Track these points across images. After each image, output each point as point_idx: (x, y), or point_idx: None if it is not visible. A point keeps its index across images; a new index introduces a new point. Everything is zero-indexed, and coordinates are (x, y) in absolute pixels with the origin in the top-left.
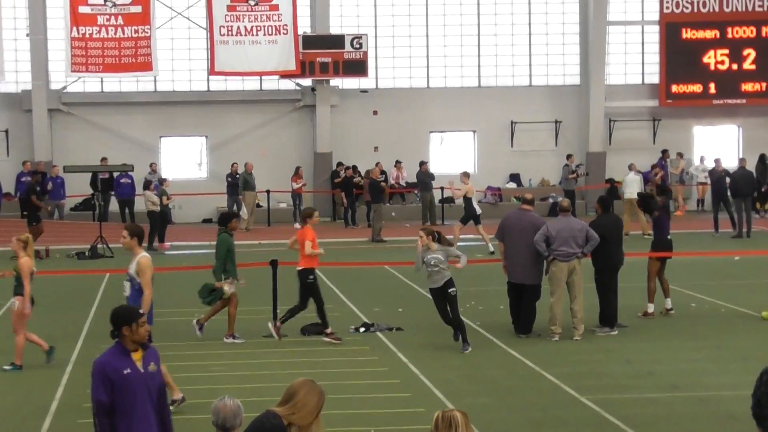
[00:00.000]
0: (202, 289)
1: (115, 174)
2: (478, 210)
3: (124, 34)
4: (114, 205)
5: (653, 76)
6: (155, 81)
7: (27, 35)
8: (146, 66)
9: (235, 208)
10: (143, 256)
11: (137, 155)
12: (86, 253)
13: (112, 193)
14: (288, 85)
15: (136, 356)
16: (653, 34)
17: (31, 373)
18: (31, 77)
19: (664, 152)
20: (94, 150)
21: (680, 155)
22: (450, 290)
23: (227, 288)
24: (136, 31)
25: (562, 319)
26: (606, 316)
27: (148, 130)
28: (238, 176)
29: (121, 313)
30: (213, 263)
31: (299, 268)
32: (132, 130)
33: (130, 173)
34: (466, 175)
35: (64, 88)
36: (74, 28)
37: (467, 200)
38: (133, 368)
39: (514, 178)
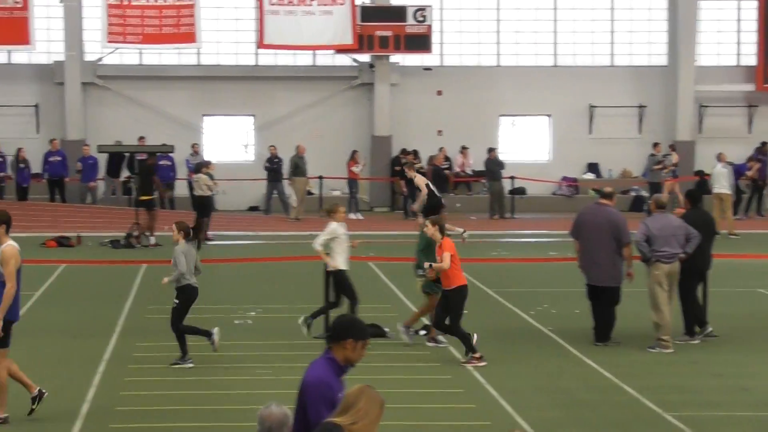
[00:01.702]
0: (426, 284)
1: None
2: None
3: (165, 1)
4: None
5: (749, 57)
6: (198, 54)
7: (60, 2)
8: (189, 37)
9: (275, 195)
10: (8, 244)
11: (178, 135)
12: (121, 242)
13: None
14: (344, 60)
15: None
16: (750, 10)
17: (60, 371)
18: (64, 47)
19: (764, 145)
20: (130, 128)
21: None
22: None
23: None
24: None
25: (671, 328)
26: (691, 323)
27: (190, 108)
28: (277, 160)
29: (354, 325)
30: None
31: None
32: (172, 108)
33: (170, 155)
34: (409, 164)
35: (100, 59)
36: None
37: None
38: (342, 392)
39: (593, 168)
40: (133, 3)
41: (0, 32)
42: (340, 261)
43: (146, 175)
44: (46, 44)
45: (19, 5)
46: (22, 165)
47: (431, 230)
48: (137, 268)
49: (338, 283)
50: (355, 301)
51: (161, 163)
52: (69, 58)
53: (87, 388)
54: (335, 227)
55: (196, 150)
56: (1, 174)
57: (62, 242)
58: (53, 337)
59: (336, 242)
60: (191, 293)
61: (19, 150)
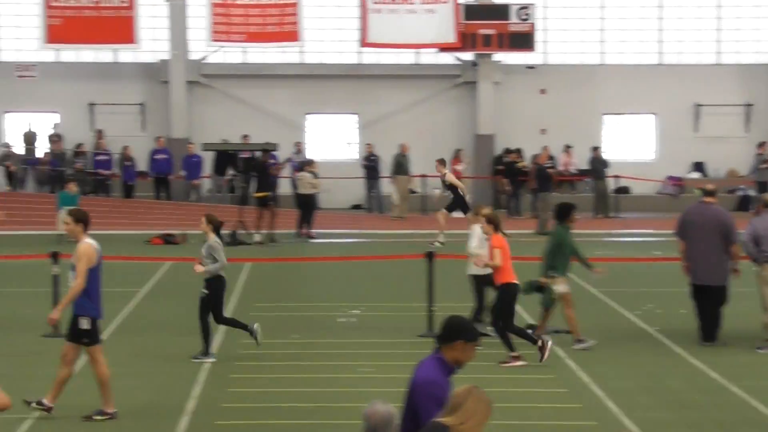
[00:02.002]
0: (527, 285)
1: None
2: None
3: (269, 0)
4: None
5: None
6: (302, 52)
7: (166, 1)
8: (292, 36)
9: (373, 192)
10: (85, 242)
11: (281, 133)
12: (225, 239)
13: (254, 174)
14: (447, 59)
15: None
16: None
17: (166, 368)
18: (169, 46)
19: None
20: (233, 126)
21: None
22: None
23: (558, 287)
24: None
25: None
26: None
27: (293, 106)
28: (374, 158)
29: (465, 326)
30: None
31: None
32: (275, 106)
33: (273, 153)
34: (441, 162)
35: (204, 58)
36: None
37: (452, 187)
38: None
39: (698, 167)
40: (238, 2)
41: (106, 31)
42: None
43: (262, 173)
44: (152, 43)
45: (125, 4)
46: (127, 163)
47: (485, 226)
48: (241, 265)
49: (478, 287)
50: (481, 309)
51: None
52: (174, 57)
53: (193, 385)
54: (480, 230)
55: (299, 148)
56: (107, 172)
57: (168, 240)
58: (159, 334)
59: (482, 245)
60: (221, 284)
61: (125, 148)
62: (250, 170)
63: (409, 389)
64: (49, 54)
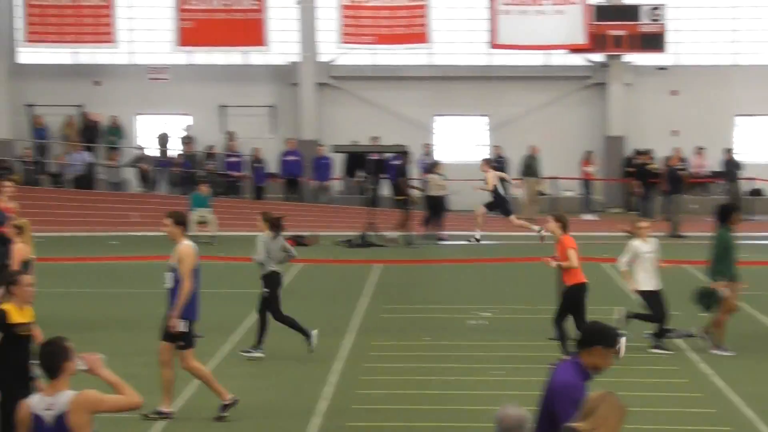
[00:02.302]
0: (698, 292)
1: (387, 155)
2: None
3: (398, 2)
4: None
5: None
6: (431, 54)
7: (297, 3)
8: (421, 37)
9: (501, 191)
10: (185, 244)
11: (409, 135)
12: (355, 241)
13: (384, 175)
14: (576, 60)
15: None
16: None
17: (297, 368)
18: (299, 48)
19: None
20: (362, 128)
21: None
22: None
23: (723, 291)
24: None
25: None
26: None
27: (422, 108)
28: (502, 160)
29: (604, 332)
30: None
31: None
32: (404, 108)
33: (401, 155)
34: (487, 162)
35: (333, 60)
36: None
37: (494, 188)
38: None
39: None
40: (367, 4)
41: (237, 34)
42: (640, 281)
43: (401, 175)
44: (282, 45)
45: (255, 7)
46: (258, 165)
47: (552, 226)
48: (372, 267)
49: (649, 303)
50: (657, 320)
51: (393, 162)
52: (304, 59)
53: (323, 386)
54: (637, 245)
55: (427, 150)
56: (238, 173)
57: (298, 241)
58: (290, 335)
59: (638, 261)
60: (277, 279)
61: (256, 150)
62: (379, 172)
63: (545, 393)
64: (181, 57)
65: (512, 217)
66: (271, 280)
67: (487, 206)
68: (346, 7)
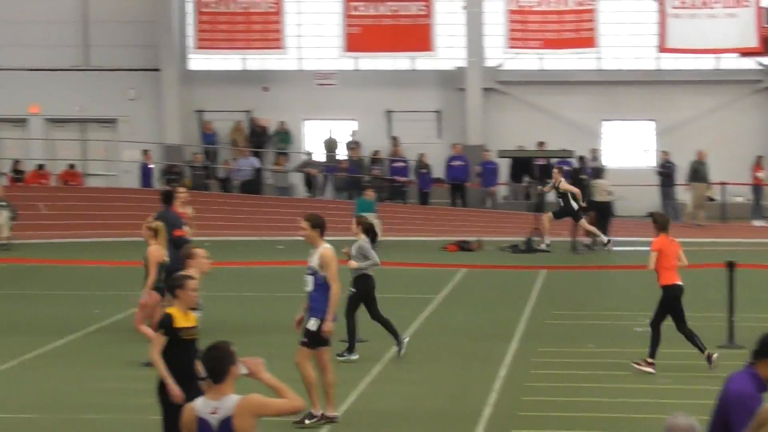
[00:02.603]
0: None
1: (553, 160)
2: (575, 206)
3: (566, 6)
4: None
5: None
6: (598, 58)
7: (463, 8)
8: (589, 42)
9: (668, 200)
10: (325, 247)
11: (576, 140)
12: (520, 246)
13: (549, 180)
14: (748, 64)
15: None
16: None
17: (461, 373)
18: (465, 54)
19: None
20: (528, 133)
21: None
22: None
23: None
24: (580, 3)
25: None
26: None
27: (589, 113)
28: (669, 165)
29: None
30: None
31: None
32: (571, 113)
33: (568, 159)
34: (560, 170)
35: (500, 65)
36: (512, 1)
37: (563, 194)
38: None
39: None
40: (534, 9)
41: (404, 40)
42: None
43: (578, 183)
44: (448, 51)
45: (422, 12)
46: (423, 170)
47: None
48: (537, 273)
49: None
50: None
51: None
52: (470, 64)
53: (488, 392)
54: None
55: (594, 155)
56: (404, 178)
57: (463, 246)
58: (455, 340)
59: None
60: (370, 282)
61: (421, 155)
62: (545, 177)
63: (720, 402)
64: (348, 62)
65: (582, 221)
66: (365, 283)
67: (554, 213)
68: (513, 12)
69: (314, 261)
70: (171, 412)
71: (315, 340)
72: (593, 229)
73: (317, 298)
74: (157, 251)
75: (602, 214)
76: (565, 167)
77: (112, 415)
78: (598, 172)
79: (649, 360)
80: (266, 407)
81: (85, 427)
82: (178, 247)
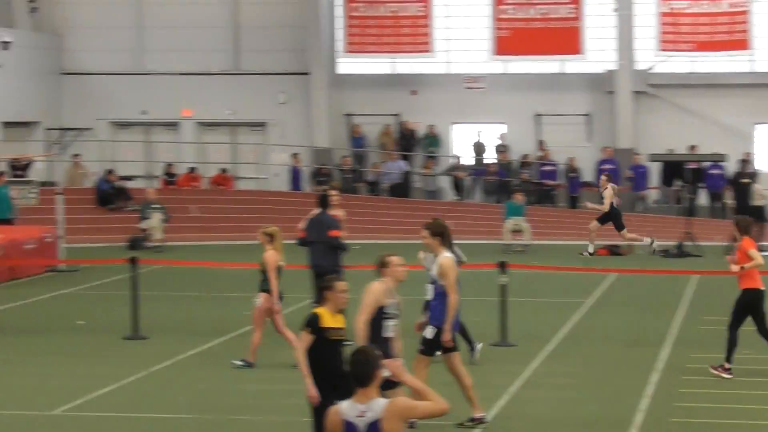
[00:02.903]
0: None
1: (705, 164)
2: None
3: (719, 8)
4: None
5: None
6: (752, 61)
7: (615, 11)
8: (742, 44)
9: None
10: (445, 256)
11: (729, 143)
12: (672, 251)
13: (702, 185)
14: None
15: None
16: None
17: (613, 379)
18: (616, 56)
19: None
20: (679, 136)
21: None
22: None
23: None
24: (733, 5)
25: None
26: None
27: (742, 116)
28: None
29: None
30: None
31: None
32: (723, 116)
33: (720, 163)
34: (608, 178)
35: (651, 68)
36: (665, 4)
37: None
38: None
39: None
40: (687, 11)
41: (553, 42)
42: None
43: (738, 186)
44: (598, 53)
45: (572, 15)
46: (572, 174)
47: (735, 231)
48: (689, 277)
49: None
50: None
51: (711, 172)
52: (621, 67)
53: (640, 398)
54: None
55: (747, 158)
56: (553, 182)
57: (614, 251)
58: (606, 345)
59: None
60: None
61: (570, 159)
62: (697, 181)
63: None
64: (497, 66)
65: (624, 231)
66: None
67: (599, 219)
68: (665, 14)
69: (434, 270)
70: (320, 413)
71: (431, 348)
72: (635, 237)
73: (436, 307)
74: (273, 256)
75: (757, 219)
76: (717, 171)
77: (262, 417)
78: (753, 176)
79: (726, 365)
80: (414, 410)
81: (236, 428)
82: (335, 248)
